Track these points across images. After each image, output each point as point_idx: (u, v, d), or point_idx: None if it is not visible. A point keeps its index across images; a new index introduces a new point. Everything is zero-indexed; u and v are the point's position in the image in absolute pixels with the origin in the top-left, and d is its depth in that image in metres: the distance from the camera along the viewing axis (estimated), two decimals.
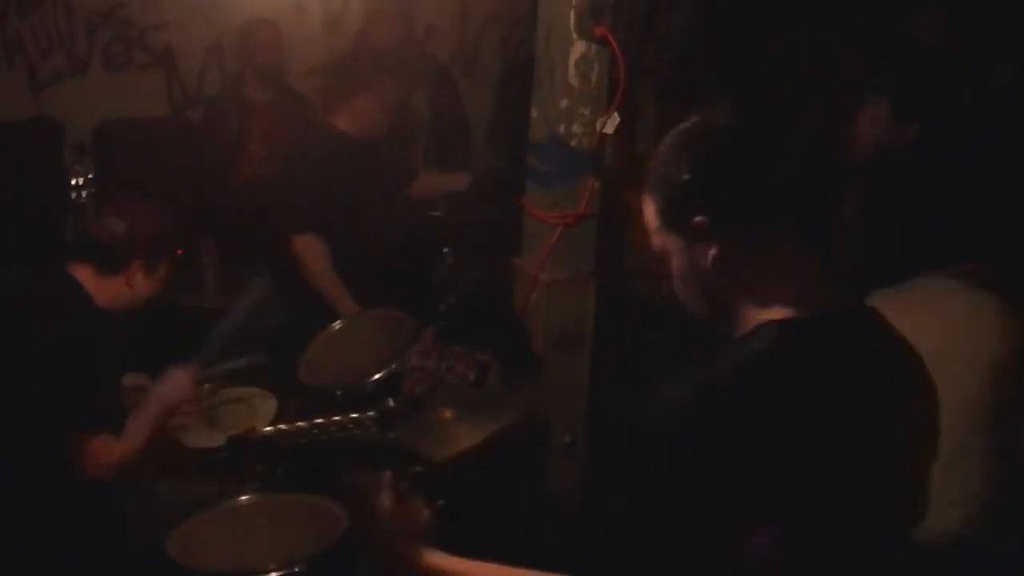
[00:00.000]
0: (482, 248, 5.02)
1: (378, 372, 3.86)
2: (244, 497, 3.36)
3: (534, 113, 4.23)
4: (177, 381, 3.55)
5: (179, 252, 3.68)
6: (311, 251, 4.76)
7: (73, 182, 5.19)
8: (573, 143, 4.01)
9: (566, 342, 4.32)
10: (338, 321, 4.27)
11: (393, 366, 3.85)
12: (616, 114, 3.96)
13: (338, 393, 3.87)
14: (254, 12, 5.94)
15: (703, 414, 1.66)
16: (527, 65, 4.35)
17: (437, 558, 1.95)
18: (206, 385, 3.94)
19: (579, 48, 3.99)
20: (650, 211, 1.88)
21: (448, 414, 2.54)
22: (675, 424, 1.68)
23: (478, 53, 7.42)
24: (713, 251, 1.78)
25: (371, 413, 2.38)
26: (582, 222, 4.21)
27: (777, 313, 1.77)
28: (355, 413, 2.40)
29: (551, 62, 4.08)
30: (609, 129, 3.96)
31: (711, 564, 1.62)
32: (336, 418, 2.38)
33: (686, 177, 1.78)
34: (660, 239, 1.87)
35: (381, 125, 4.92)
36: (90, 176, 5.16)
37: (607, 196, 4.22)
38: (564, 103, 4.04)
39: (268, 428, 2.50)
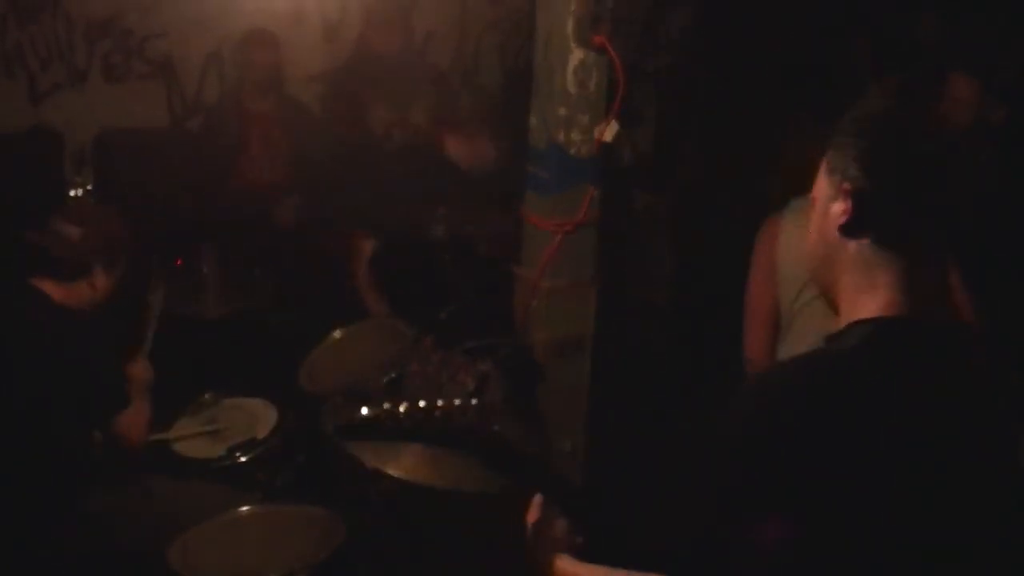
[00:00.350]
0: (483, 256, 5.02)
1: (378, 380, 3.86)
2: (245, 507, 3.36)
3: (533, 121, 4.23)
4: (146, 370, 3.74)
5: (178, 262, 3.73)
6: (364, 251, 4.86)
7: (72, 192, 5.19)
8: (572, 150, 4.02)
9: (566, 349, 4.32)
10: (339, 329, 4.26)
11: (393, 374, 3.85)
12: (615, 121, 3.97)
13: (339, 400, 3.88)
14: (253, 21, 5.94)
15: (784, 414, 1.67)
16: (526, 72, 4.35)
17: (570, 565, 2.07)
18: (207, 395, 3.95)
19: (577, 56, 4.00)
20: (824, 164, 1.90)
21: None
22: (758, 427, 1.69)
23: (477, 60, 7.42)
24: (843, 210, 1.80)
25: (474, 401, 2.39)
26: (581, 229, 4.21)
27: (876, 310, 1.77)
28: (457, 400, 2.41)
29: (549, 70, 4.09)
30: (608, 137, 3.96)
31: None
32: (440, 403, 2.39)
33: (858, 151, 1.80)
34: (817, 186, 1.90)
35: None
36: (89, 187, 5.15)
37: (607, 201, 4.22)
38: (563, 111, 4.05)
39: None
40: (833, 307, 1.87)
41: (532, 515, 2.16)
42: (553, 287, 4.25)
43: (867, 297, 1.78)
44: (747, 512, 1.65)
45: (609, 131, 3.96)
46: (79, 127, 6.05)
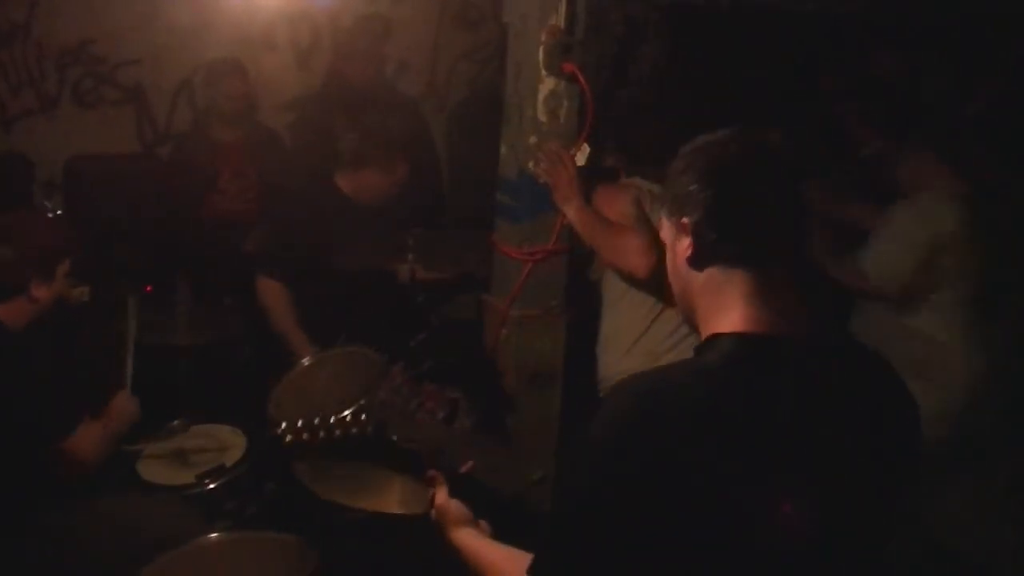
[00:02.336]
0: (452, 285, 5.02)
1: (347, 408, 3.84)
2: (214, 535, 3.34)
3: (503, 150, 4.25)
4: (130, 403, 3.70)
5: (147, 289, 3.70)
6: (273, 295, 4.76)
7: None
8: (543, 179, 4.03)
9: (537, 378, 4.33)
10: (307, 357, 4.25)
11: (362, 402, 3.84)
12: (586, 145, 3.99)
13: (307, 425, 3.87)
14: (225, 49, 5.95)
15: (640, 426, 1.73)
16: (496, 102, 4.37)
17: (464, 535, 2.33)
18: (176, 422, 3.93)
19: (548, 85, 4.02)
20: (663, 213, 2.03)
21: None
22: (614, 434, 1.76)
23: (449, 90, 7.44)
24: (687, 245, 1.92)
25: (363, 415, 2.57)
26: (552, 258, 4.22)
27: (735, 326, 1.86)
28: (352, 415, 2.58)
29: (520, 99, 4.11)
30: (581, 160, 3.98)
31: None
32: (334, 419, 2.57)
33: (692, 187, 1.90)
34: (662, 229, 2.04)
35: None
36: (59, 212, 5.14)
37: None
38: (533, 139, 4.06)
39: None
40: (696, 330, 1.98)
41: (438, 497, 2.44)
42: (523, 316, 4.26)
43: (722, 315, 1.89)
44: (607, 520, 1.73)
45: (581, 155, 3.97)
46: (50, 153, 6.04)
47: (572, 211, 3.89)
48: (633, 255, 3.69)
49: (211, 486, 3.76)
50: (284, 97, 6.44)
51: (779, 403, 1.76)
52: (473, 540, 2.30)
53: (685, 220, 1.91)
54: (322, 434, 2.64)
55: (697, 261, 1.91)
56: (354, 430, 2.66)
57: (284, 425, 2.62)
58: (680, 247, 1.94)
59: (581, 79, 3.97)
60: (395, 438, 2.58)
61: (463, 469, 2.51)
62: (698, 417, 1.71)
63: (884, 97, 4.95)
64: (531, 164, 4.07)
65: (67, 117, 6.22)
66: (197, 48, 6.12)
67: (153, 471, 3.85)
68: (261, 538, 3.35)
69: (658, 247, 3.16)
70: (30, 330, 3.47)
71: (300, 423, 2.63)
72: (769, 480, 1.72)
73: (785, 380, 1.79)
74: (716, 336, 1.87)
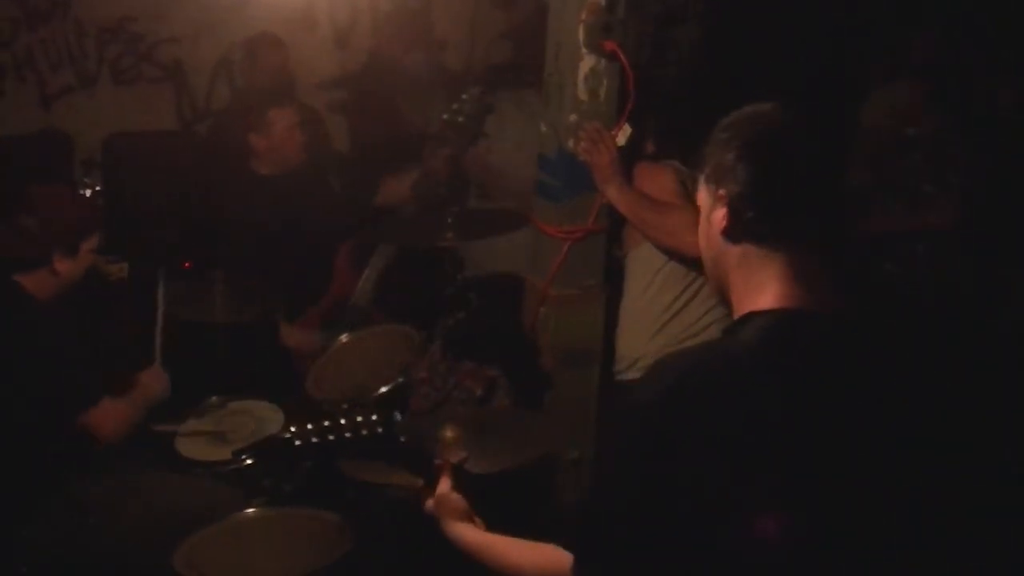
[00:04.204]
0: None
1: (385, 385, 3.84)
2: (251, 511, 3.34)
3: (542, 128, 4.23)
4: (159, 378, 3.73)
5: (186, 265, 3.70)
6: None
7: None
8: (581, 157, 4.01)
9: (575, 357, 4.31)
10: (345, 334, 4.25)
11: (400, 379, 3.83)
12: (627, 125, 3.96)
13: (344, 407, 3.86)
14: (263, 27, 5.94)
15: (683, 404, 1.74)
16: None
17: (461, 527, 2.39)
18: (213, 398, 3.94)
19: (588, 63, 4.00)
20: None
21: (450, 433, 2.66)
22: (657, 413, 1.76)
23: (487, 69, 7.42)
24: (723, 216, 1.89)
25: (374, 417, 2.57)
26: (591, 237, 4.20)
27: (768, 303, 1.84)
28: (360, 416, 2.58)
29: (560, 77, 4.09)
30: (621, 141, 3.95)
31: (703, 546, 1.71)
32: (343, 421, 2.57)
33: (731, 159, 1.88)
34: (699, 196, 2.00)
35: None
36: (98, 189, 5.15)
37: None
38: (573, 117, 4.04)
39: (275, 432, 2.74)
40: (728, 305, 1.96)
41: (440, 487, 2.49)
42: (562, 295, 4.24)
43: (757, 292, 1.86)
44: (648, 496, 1.74)
45: (623, 135, 3.94)
46: (89, 130, 6.07)
47: (614, 192, 3.86)
48: (684, 232, 3.55)
49: (248, 462, 3.76)
50: (322, 76, 6.43)
51: (815, 382, 1.76)
52: (474, 534, 2.37)
53: (722, 192, 1.89)
54: (331, 436, 2.62)
55: (732, 234, 1.89)
56: (364, 431, 2.64)
57: (293, 430, 2.62)
58: (716, 217, 1.91)
59: (622, 57, 3.94)
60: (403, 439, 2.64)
61: (455, 460, 2.56)
62: (737, 396, 1.72)
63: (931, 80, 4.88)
64: (571, 142, 4.04)
65: (106, 94, 6.24)
66: (235, 26, 6.12)
67: (191, 447, 3.85)
68: (297, 515, 3.35)
69: None
70: (61, 302, 3.49)
71: (310, 427, 2.62)
72: (805, 459, 1.71)
73: (821, 359, 1.79)
74: (751, 314, 1.85)
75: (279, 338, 4.91)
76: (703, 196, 1.98)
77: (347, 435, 2.58)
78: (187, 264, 4.89)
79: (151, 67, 6.33)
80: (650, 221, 3.81)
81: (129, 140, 6.12)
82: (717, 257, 1.95)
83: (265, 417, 4.01)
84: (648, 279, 4.01)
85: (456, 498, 2.44)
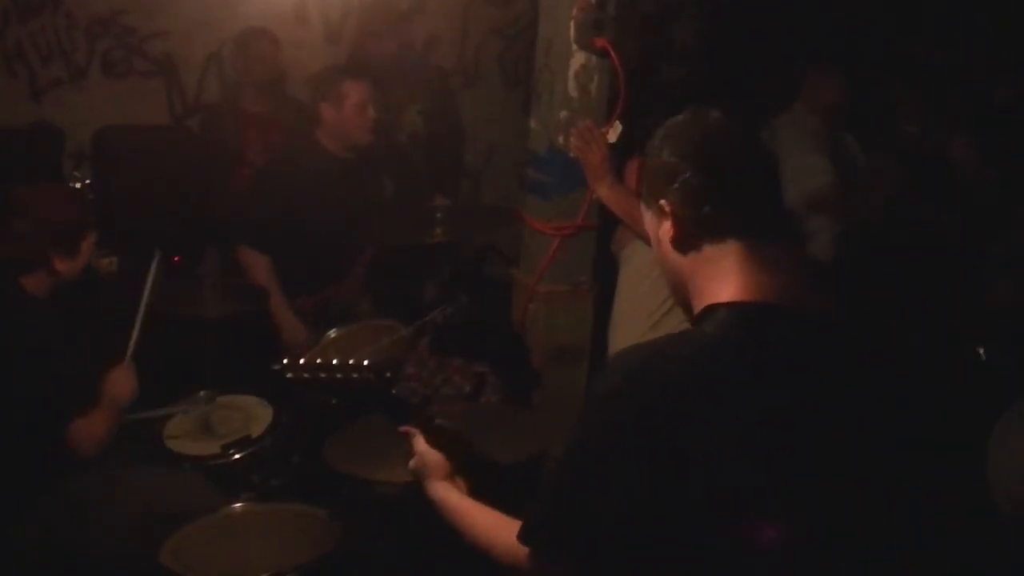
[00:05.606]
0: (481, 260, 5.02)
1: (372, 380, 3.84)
2: (239, 505, 3.34)
3: (533, 125, 4.23)
4: (126, 379, 3.54)
5: (176, 260, 3.68)
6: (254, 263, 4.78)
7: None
8: (572, 154, 4.01)
9: (564, 354, 4.32)
10: (334, 330, 4.25)
11: (388, 375, 3.84)
12: (618, 123, 3.96)
13: (333, 401, 3.87)
14: (255, 21, 5.93)
15: (636, 397, 1.74)
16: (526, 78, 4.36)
17: (441, 489, 2.34)
18: (202, 393, 3.93)
19: (579, 60, 4.00)
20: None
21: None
22: (610, 406, 1.78)
23: (478, 65, 7.42)
24: (669, 227, 1.91)
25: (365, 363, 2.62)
26: (581, 233, 4.21)
27: (732, 296, 1.84)
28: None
29: (551, 74, 4.09)
30: (612, 138, 3.95)
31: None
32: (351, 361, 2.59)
33: (669, 166, 1.91)
34: (645, 221, 2.03)
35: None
36: (88, 182, 5.14)
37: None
38: (563, 114, 4.05)
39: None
40: (689, 314, 1.96)
41: (416, 446, 2.45)
42: (551, 291, 4.24)
43: (717, 286, 1.86)
44: (610, 482, 1.74)
45: (613, 133, 3.94)
46: (79, 124, 6.04)
47: (605, 190, 3.86)
48: None
49: (236, 457, 3.76)
50: (314, 71, 6.42)
51: (778, 372, 1.77)
52: (454, 496, 2.31)
53: (664, 203, 1.90)
54: (323, 375, 2.64)
55: (682, 241, 1.90)
56: (355, 375, 2.66)
57: (286, 362, 2.64)
58: (663, 232, 1.93)
59: (613, 55, 3.95)
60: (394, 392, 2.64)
61: (439, 422, 2.54)
62: (696, 387, 1.72)
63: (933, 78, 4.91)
64: (561, 139, 4.05)
65: (97, 88, 6.22)
66: (227, 20, 6.10)
67: (179, 442, 3.84)
68: (286, 510, 3.36)
69: None
70: (55, 298, 3.47)
71: (303, 361, 2.64)
72: (766, 450, 1.72)
73: (785, 350, 1.80)
74: (713, 307, 1.85)
75: (269, 333, 4.91)
76: (648, 219, 2.00)
77: (339, 376, 2.63)
78: (176, 259, 4.88)
79: (142, 61, 6.31)
80: (641, 219, 3.81)
81: (119, 133, 6.09)
82: (675, 271, 1.96)
83: (253, 412, 4.01)
84: (641, 276, 4.02)
85: (435, 456, 2.40)
